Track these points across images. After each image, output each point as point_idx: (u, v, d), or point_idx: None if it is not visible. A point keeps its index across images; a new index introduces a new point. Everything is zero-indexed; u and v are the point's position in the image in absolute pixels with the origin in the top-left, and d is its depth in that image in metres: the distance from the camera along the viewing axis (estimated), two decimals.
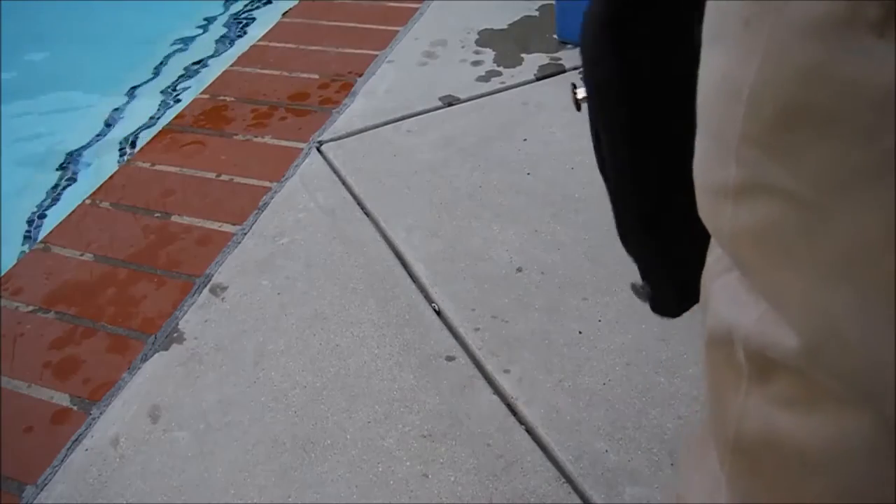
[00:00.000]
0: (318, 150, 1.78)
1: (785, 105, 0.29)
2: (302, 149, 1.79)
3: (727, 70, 0.32)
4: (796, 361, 0.34)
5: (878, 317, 0.30)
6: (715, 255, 0.41)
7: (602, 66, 0.52)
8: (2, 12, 2.80)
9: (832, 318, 0.31)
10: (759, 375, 0.38)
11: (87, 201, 1.70)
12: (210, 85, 2.09)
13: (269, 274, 1.46)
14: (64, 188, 2.10)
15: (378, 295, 1.39)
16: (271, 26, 2.38)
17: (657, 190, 0.56)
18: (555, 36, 2.12)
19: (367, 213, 1.58)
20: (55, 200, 2.05)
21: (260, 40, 2.30)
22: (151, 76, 2.60)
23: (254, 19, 2.87)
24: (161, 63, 2.66)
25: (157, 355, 1.31)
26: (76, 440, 1.19)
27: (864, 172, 0.28)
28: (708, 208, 0.38)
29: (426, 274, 1.42)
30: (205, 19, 2.90)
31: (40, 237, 1.65)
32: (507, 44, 2.13)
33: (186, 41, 2.79)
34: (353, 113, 1.90)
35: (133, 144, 2.24)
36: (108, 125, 2.36)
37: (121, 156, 2.20)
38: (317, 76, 2.08)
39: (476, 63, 2.06)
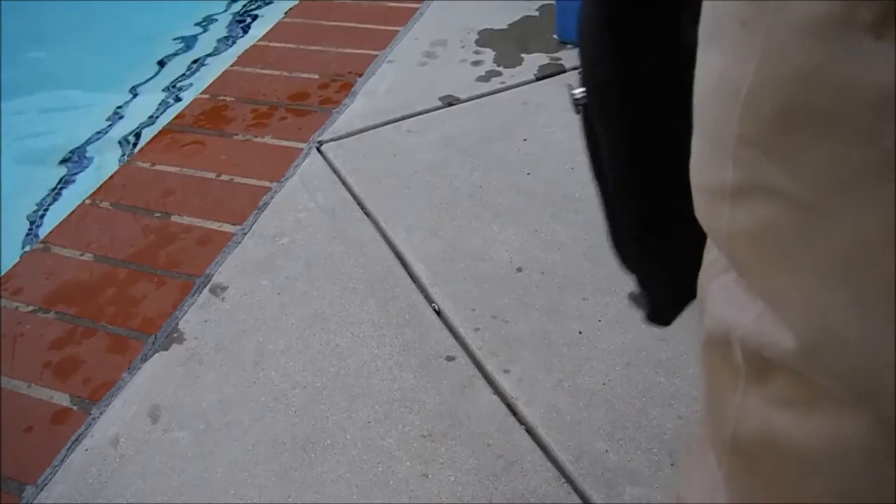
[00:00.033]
0: (318, 150, 1.78)
1: (783, 106, 0.29)
2: (302, 149, 1.79)
3: (724, 71, 0.32)
4: (794, 362, 0.34)
5: (878, 318, 0.30)
6: (712, 256, 0.42)
7: (601, 66, 0.51)
8: (2, 11, 2.80)
9: (830, 319, 0.31)
10: (757, 376, 0.38)
11: (87, 201, 1.70)
12: (210, 85, 2.09)
13: (269, 274, 1.46)
14: (65, 186, 2.11)
15: (378, 295, 1.39)
16: (272, 26, 2.38)
17: (657, 191, 0.55)
18: (555, 36, 2.12)
19: (367, 213, 1.58)
20: (55, 198, 2.06)
21: (260, 40, 2.30)
22: (153, 74, 2.60)
23: (257, 17, 2.87)
24: (163, 61, 2.67)
25: (157, 355, 1.31)
26: (76, 440, 1.19)
27: (863, 173, 0.28)
28: (705, 209, 0.38)
29: (426, 274, 1.42)
30: (206, 18, 2.91)
31: (42, 235, 1.66)
32: (507, 44, 2.13)
33: (189, 39, 2.79)
34: (353, 113, 1.90)
35: (136, 141, 2.24)
36: (111, 122, 2.36)
37: (122, 154, 2.21)
38: (317, 76, 2.08)
39: (476, 63, 2.06)
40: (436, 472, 1.10)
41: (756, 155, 0.32)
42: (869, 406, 0.33)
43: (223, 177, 1.73)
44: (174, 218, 1.62)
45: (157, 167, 1.78)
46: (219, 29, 2.84)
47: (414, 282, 1.41)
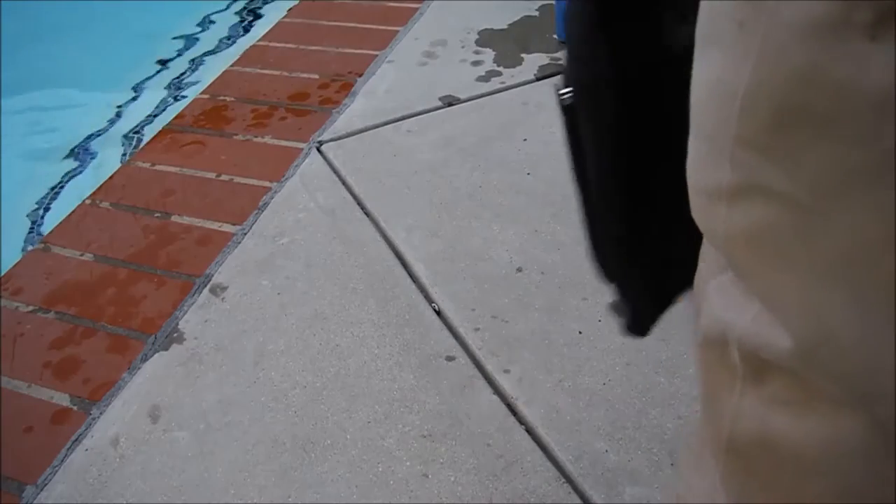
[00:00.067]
0: (318, 150, 1.78)
1: (780, 107, 0.29)
2: (302, 149, 1.79)
3: (721, 72, 0.32)
4: (790, 363, 0.34)
5: (876, 319, 0.30)
6: (709, 257, 0.41)
7: (591, 65, 0.49)
8: (1, 10, 2.80)
9: (828, 320, 0.31)
10: (754, 376, 0.38)
11: (87, 201, 1.70)
12: (210, 85, 2.09)
13: (269, 274, 1.46)
14: (64, 185, 2.11)
15: (378, 295, 1.39)
16: (272, 26, 2.38)
17: (644, 192, 0.54)
18: (555, 36, 2.12)
19: (367, 213, 1.58)
20: (55, 196, 2.06)
21: (260, 40, 2.30)
22: (155, 72, 2.61)
23: (261, 16, 2.88)
24: (165, 59, 2.67)
25: (157, 355, 1.31)
26: (76, 440, 1.19)
27: (862, 173, 0.28)
28: (702, 210, 0.38)
29: (426, 274, 1.42)
30: (207, 16, 2.91)
31: (44, 231, 1.66)
32: (507, 44, 2.13)
33: (190, 38, 2.80)
34: (353, 113, 1.90)
35: (139, 139, 2.24)
36: (112, 120, 2.37)
37: (124, 153, 2.21)
38: (317, 76, 2.08)
39: (476, 63, 2.06)
40: (436, 472, 1.10)
41: (754, 156, 0.32)
42: (866, 407, 0.33)
43: (223, 177, 1.73)
44: (174, 218, 1.62)
45: (157, 167, 1.78)
46: (222, 27, 2.85)
47: (414, 282, 1.41)
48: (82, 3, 2.89)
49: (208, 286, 1.44)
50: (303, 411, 1.20)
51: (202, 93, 2.06)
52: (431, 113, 1.88)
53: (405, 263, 1.45)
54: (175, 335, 1.35)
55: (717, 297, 0.40)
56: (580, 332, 1.28)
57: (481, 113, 1.86)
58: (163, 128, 1.94)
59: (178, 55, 2.70)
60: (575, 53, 0.50)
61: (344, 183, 1.67)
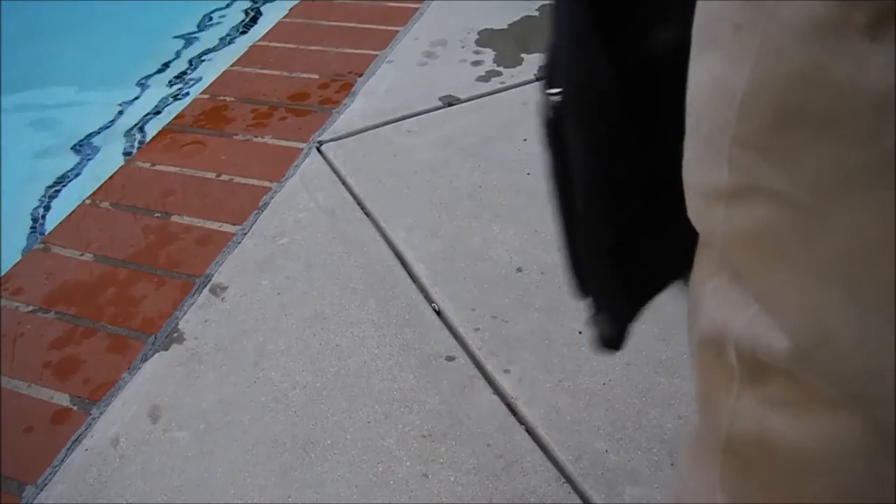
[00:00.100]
0: (318, 150, 1.78)
1: (779, 108, 0.29)
2: (302, 149, 1.79)
3: (719, 74, 0.32)
4: (788, 364, 0.34)
5: (875, 320, 0.30)
6: (703, 258, 0.41)
7: (584, 64, 0.46)
8: (2, 9, 2.80)
9: (826, 322, 0.31)
10: (751, 377, 0.38)
11: (87, 201, 1.70)
12: (210, 85, 2.09)
13: (269, 274, 1.46)
14: (67, 182, 2.11)
15: (378, 295, 1.39)
16: (272, 25, 2.38)
17: (635, 199, 0.51)
18: None
19: (367, 213, 1.58)
20: (57, 193, 2.06)
21: (260, 40, 2.30)
22: (159, 69, 2.61)
23: (262, 14, 2.89)
24: (168, 56, 2.68)
25: (157, 355, 1.31)
26: (76, 440, 1.19)
27: (861, 174, 0.28)
28: (699, 210, 0.38)
29: (426, 274, 1.42)
30: (209, 14, 2.92)
31: (47, 228, 1.66)
32: (507, 44, 2.13)
33: (193, 35, 2.81)
34: (353, 113, 1.90)
35: (142, 136, 2.25)
36: (114, 119, 2.38)
37: (128, 146, 2.22)
38: (317, 76, 2.08)
39: (476, 63, 2.06)
40: (436, 472, 1.10)
41: (753, 156, 0.32)
42: (864, 409, 0.33)
43: (223, 177, 1.73)
44: (174, 218, 1.62)
45: (157, 167, 1.78)
46: (226, 24, 2.85)
47: (414, 282, 1.41)
48: (83, 3, 2.89)
49: (208, 286, 1.44)
50: (303, 411, 1.20)
51: (202, 93, 2.06)
52: (431, 113, 1.88)
53: (405, 263, 1.45)
54: (175, 335, 1.35)
55: (714, 299, 0.40)
56: (580, 332, 1.28)
57: (481, 113, 1.86)
58: (163, 128, 1.94)
59: (178, 56, 2.71)
60: (565, 53, 0.48)
61: (344, 183, 1.67)
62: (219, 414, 1.21)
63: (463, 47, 2.14)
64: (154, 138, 1.90)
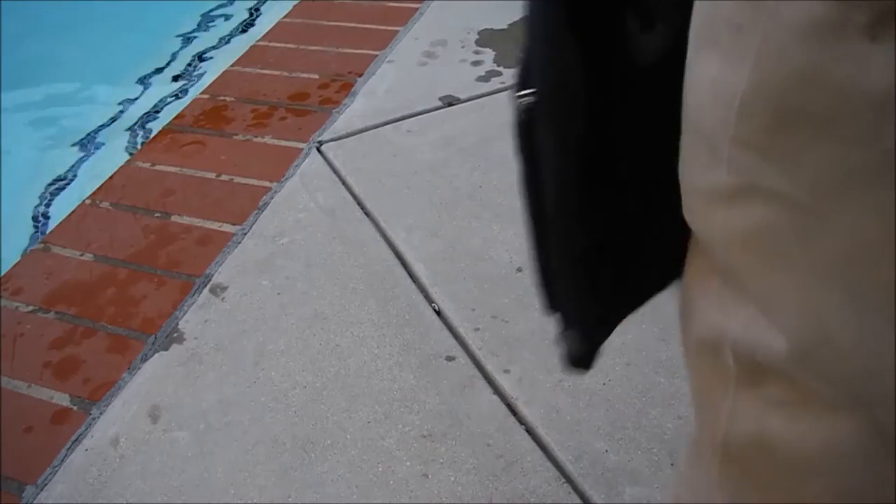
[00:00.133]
0: (318, 150, 1.78)
1: (779, 108, 0.29)
2: (302, 149, 1.79)
3: (719, 74, 0.32)
4: (786, 365, 0.34)
5: (875, 320, 0.30)
6: (700, 260, 0.41)
7: (558, 65, 0.44)
8: (2, 9, 2.80)
9: (826, 322, 0.31)
10: (749, 379, 0.38)
11: (87, 201, 1.70)
12: (210, 85, 2.09)
13: (269, 274, 1.46)
14: (68, 182, 2.12)
15: (378, 295, 1.39)
16: (272, 25, 2.38)
17: (609, 208, 0.49)
18: None
19: (367, 213, 1.58)
20: (58, 192, 2.07)
21: (260, 40, 2.30)
22: (162, 66, 2.62)
23: (261, 13, 2.89)
24: (173, 51, 2.69)
25: (157, 355, 1.31)
26: (76, 440, 1.19)
27: (861, 174, 0.28)
28: (697, 211, 0.38)
29: (426, 274, 1.42)
30: (212, 11, 2.93)
31: (48, 228, 1.67)
32: (507, 44, 2.13)
33: (197, 32, 2.82)
34: (353, 113, 1.90)
35: (146, 133, 2.26)
36: (115, 116, 2.38)
37: (134, 139, 2.23)
38: (317, 76, 2.08)
39: (476, 63, 2.06)
40: (436, 472, 1.10)
41: (752, 156, 0.32)
42: (863, 410, 0.33)
43: (223, 177, 1.73)
44: (174, 218, 1.62)
45: (157, 167, 1.78)
46: (232, 21, 2.86)
47: (414, 282, 1.41)
48: (83, 3, 2.89)
49: (208, 286, 1.44)
50: (303, 411, 1.20)
51: (202, 93, 2.06)
52: (431, 113, 1.88)
53: (405, 263, 1.45)
54: (175, 335, 1.35)
55: (710, 301, 0.40)
56: None
57: (481, 113, 1.86)
58: (163, 128, 1.94)
59: (174, 57, 2.71)
60: (538, 54, 0.46)
61: (344, 183, 1.67)
62: (219, 414, 1.21)
63: (463, 47, 2.14)
64: (154, 138, 1.90)
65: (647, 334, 1.26)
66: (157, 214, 1.64)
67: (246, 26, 2.81)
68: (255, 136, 1.86)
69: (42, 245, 1.59)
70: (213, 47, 2.69)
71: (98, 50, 2.75)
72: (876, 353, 0.30)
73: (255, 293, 1.42)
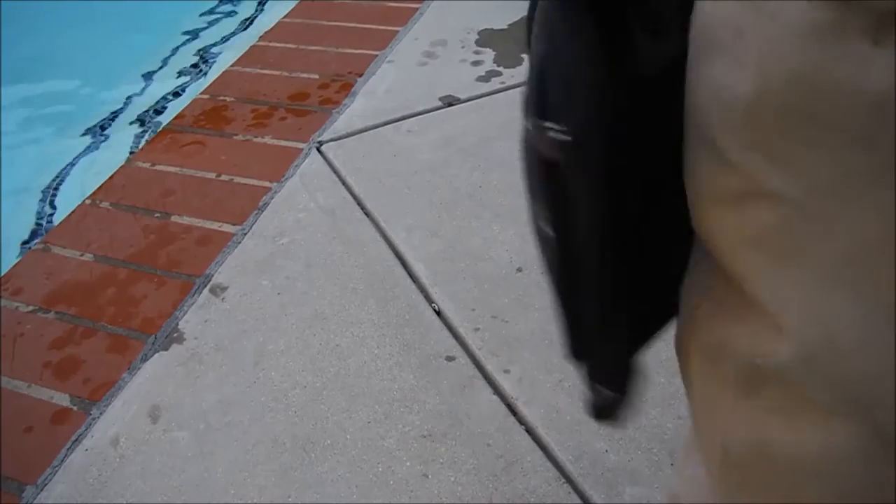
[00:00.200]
0: (318, 150, 1.78)
1: (782, 111, 0.29)
2: (302, 149, 1.79)
3: (722, 78, 0.32)
4: (788, 371, 0.34)
5: (878, 321, 0.30)
6: (700, 268, 0.41)
7: (600, 92, 0.38)
8: (1, 8, 2.81)
9: (829, 325, 0.31)
10: (749, 385, 0.38)
11: (87, 201, 1.70)
12: (210, 85, 2.10)
13: (269, 274, 1.46)
14: (69, 182, 2.12)
15: (378, 295, 1.39)
16: (272, 25, 2.38)
17: (649, 242, 0.45)
18: None
19: (367, 213, 1.58)
20: (58, 192, 2.07)
21: (260, 40, 2.30)
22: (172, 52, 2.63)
23: (264, 11, 2.90)
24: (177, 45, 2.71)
25: (157, 355, 1.31)
26: (76, 440, 1.19)
27: (863, 175, 0.28)
28: (703, 216, 0.38)
29: (426, 274, 1.42)
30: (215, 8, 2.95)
31: (51, 226, 1.68)
32: (507, 44, 2.13)
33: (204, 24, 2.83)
34: (353, 113, 1.90)
35: (156, 123, 2.27)
36: (122, 106, 2.40)
37: (143, 131, 2.24)
38: (317, 76, 2.08)
39: (476, 63, 2.06)
40: (436, 472, 1.10)
41: (757, 159, 0.32)
42: (864, 413, 0.33)
43: (223, 177, 1.73)
44: (174, 218, 1.62)
45: (157, 167, 1.78)
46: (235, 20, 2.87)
47: (414, 282, 1.41)
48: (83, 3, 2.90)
49: (208, 286, 1.44)
50: (303, 411, 1.20)
51: (202, 93, 2.06)
52: (431, 113, 1.88)
53: (405, 263, 1.45)
54: (175, 335, 1.35)
55: (713, 308, 0.39)
56: None
57: (481, 113, 1.86)
58: (163, 128, 1.94)
59: (184, 45, 2.72)
60: (576, 79, 0.38)
61: (344, 183, 1.67)
62: (219, 414, 1.21)
63: (463, 47, 2.14)
64: (154, 138, 1.90)
65: None
66: (157, 214, 1.64)
67: (247, 25, 2.82)
68: (255, 136, 1.86)
69: (42, 245, 1.59)
70: (221, 42, 2.70)
71: (103, 46, 2.75)
72: (878, 355, 0.30)
73: (255, 293, 1.42)
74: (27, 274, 1.52)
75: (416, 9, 2.37)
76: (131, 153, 2.05)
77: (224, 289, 1.43)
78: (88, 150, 2.21)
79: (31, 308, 1.44)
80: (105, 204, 1.68)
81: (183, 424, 1.20)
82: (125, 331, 1.37)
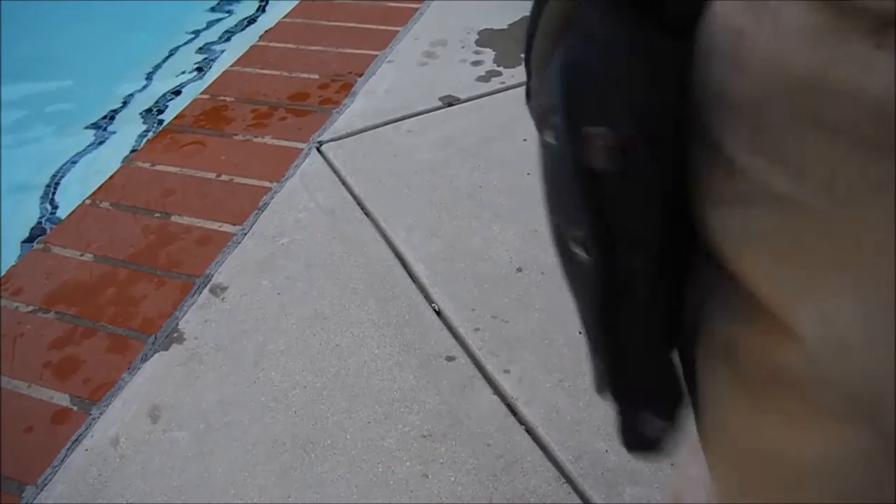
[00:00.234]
0: (318, 150, 1.78)
1: (785, 113, 0.29)
2: (302, 149, 1.79)
3: (725, 81, 0.32)
4: (793, 373, 0.34)
5: (881, 322, 0.30)
6: (708, 270, 0.41)
7: (640, 103, 0.34)
8: (1, 8, 2.81)
9: (834, 326, 0.31)
10: (754, 387, 0.38)
11: (87, 201, 1.70)
12: (210, 85, 2.09)
13: (269, 274, 1.46)
14: (69, 181, 2.12)
15: (378, 295, 1.39)
16: (272, 25, 2.38)
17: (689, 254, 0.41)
18: None
19: (367, 213, 1.58)
20: (54, 192, 2.07)
21: (260, 40, 2.30)
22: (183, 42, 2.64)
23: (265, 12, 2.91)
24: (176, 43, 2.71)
25: (157, 355, 1.31)
26: (76, 440, 1.19)
27: (865, 177, 0.28)
28: (709, 219, 0.38)
29: (426, 274, 1.42)
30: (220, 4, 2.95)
31: (53, 223, 1.68)
32: (507, 44, 2.13)
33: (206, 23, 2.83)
34: (353, 113, 1.90)
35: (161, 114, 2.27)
36: (126, 102, 2.40)
37: (146, 129, 2.24)
38: (317, 76, 2.08)
39: (476, 63, 2.06)
40: (436, 472, 1.10)
41: (760, 162, 0.32)
42: (867, 414, 0.33)
43: (223, 177, 1.73)
44: (174, 218, 1.62)
45: (157, 167, 1.78)
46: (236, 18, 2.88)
47: (414, 282, 1.41)
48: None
49: (208, 286, 1.44)
50: (303, 411, 1.20)
51: (202, 93, 2.06)
52: (431, 113, 1.88)
53: (405, 263, 1.45)
54: (175, 335, 1.35)
55: (722, 311, 0.39)
56: (580, 332, 1.28)
57: (481, 113, 1.86)
58: (163, 127, 1.94)
59: (186, 44, 2.73)
60: (627, 76, 0.34)
61: (344, 183, 1.67)
62: (219, 414, 1.21)
63: (463, 47, 2.14)
64: (154, 138, 1.90)
65: None
66: (157, 214, 1.64)
67: (249, 22, 2.83)
68: (255, 137, 1.86)
69: (42, 245, 1.59)
70: (224, 41, 2.71)
71: (103, 46, 2.76)
72: (879, 355, 0.30)
73: (255, 293, 1.42)
74: (27, 274, 1.52)
75: (416, 9, 2.37)
76: (132, 152, 2.05)
77: (224, 289, 1.43)
78: (89, 148, 2.22)
79: (31, 308, 1.44)
80: (105, 204, 1.68)
81: (183, 424, 1.20)
82: (125, 331, 1.37)
